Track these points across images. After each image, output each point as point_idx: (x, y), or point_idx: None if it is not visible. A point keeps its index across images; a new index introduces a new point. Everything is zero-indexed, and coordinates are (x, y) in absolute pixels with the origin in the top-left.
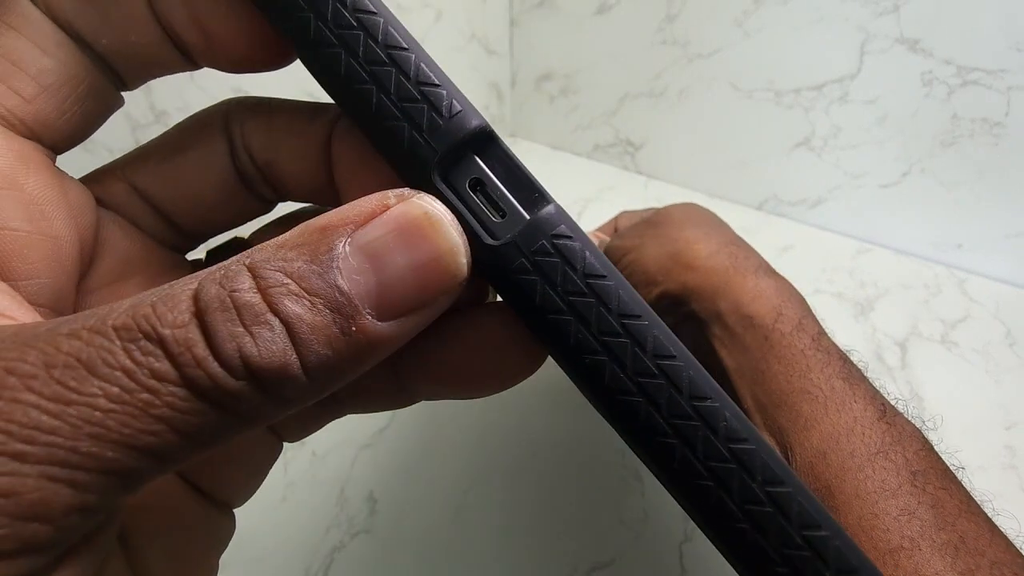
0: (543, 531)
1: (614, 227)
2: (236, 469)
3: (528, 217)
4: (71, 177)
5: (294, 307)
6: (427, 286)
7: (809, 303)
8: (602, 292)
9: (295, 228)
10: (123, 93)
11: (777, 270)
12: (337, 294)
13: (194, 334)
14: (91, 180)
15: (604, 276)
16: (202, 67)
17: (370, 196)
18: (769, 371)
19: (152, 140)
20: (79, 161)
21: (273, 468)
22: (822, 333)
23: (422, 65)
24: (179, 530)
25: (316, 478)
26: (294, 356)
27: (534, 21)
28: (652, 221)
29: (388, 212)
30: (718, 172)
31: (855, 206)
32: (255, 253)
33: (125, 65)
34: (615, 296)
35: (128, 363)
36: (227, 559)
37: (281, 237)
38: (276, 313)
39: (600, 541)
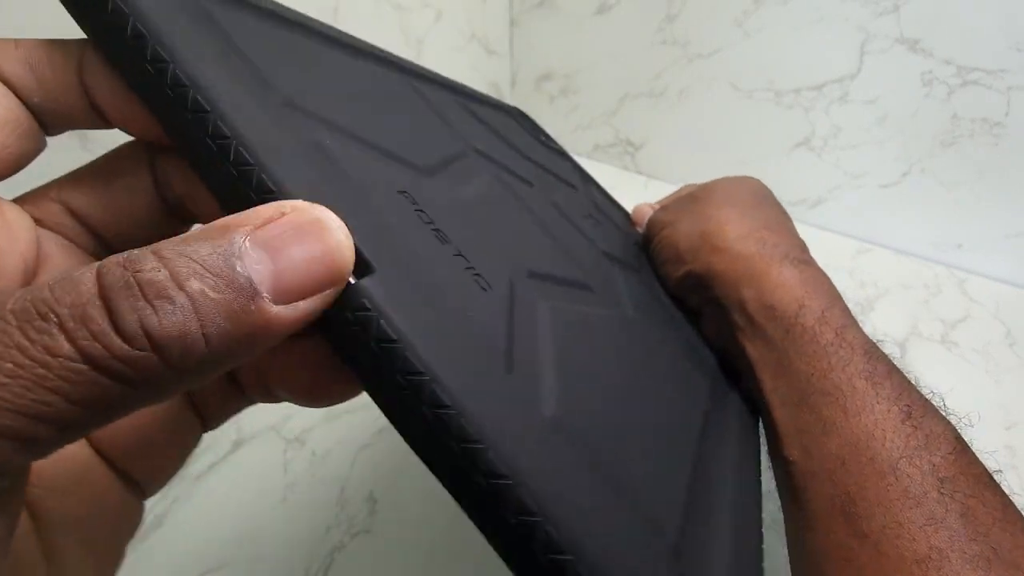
0: None
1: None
2: (157, 450)
3: (348, 287)
4: (7, 200)
5: (198, 284)
6: (319, 276)
7: None
8: (391, 354)
9: (198, 228)
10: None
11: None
12: (239, 276)
13: (94, 311)
14: (26, 201)
15: (394, 340)
16: (115, 128)
17: (267, 205)
18: (791, 367)
19: (83, 166)
20: (81, 162)
21: (273, 468)
22: (847, 325)
23: (263, 176)
24: (95, 514)
25: (316, 478)
26: (196, 326)
27: (534, 21)
28: (694, 196)
29: (285, 216)
30: (718, 172)
31: (855, 206)
32: (159, 243)
33: (51, 118)
34: (401, 357)
35: (22, 341)
36: (227, 559)
37: (183, 234)
38: (181, 288)
39: None
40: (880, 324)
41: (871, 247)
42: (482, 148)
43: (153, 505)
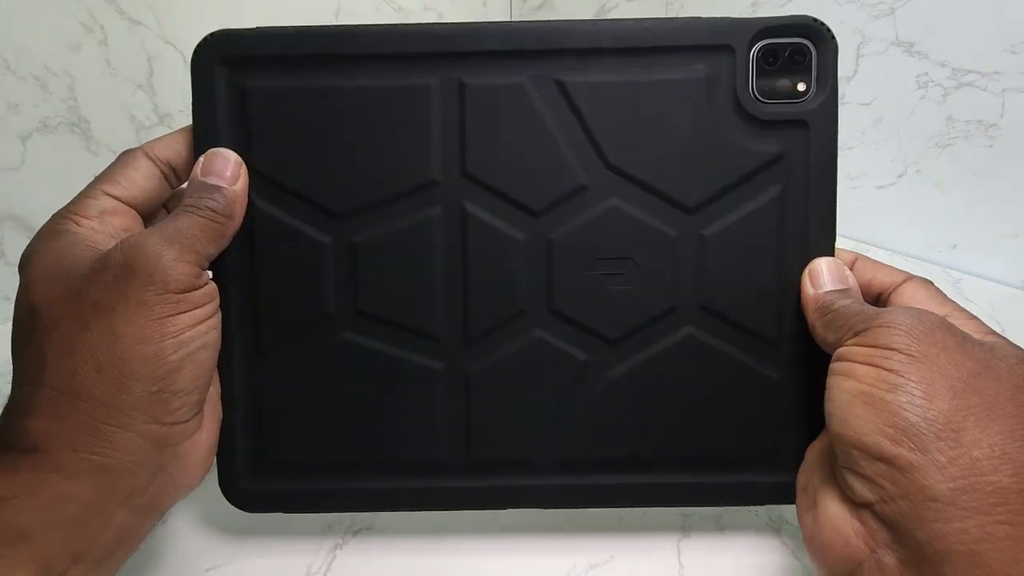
0: (542, 528)
1: (887, 290)
2: None
3: None
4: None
5: (206, 193)
6: (234, 168)
7: None
8: None
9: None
10: (133, 97)
11: None
12: (207, 182)
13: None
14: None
15: None
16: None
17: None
18: None
19: (123, 171)
20: (84, 163)
21: None
22: None
23: None
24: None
25: None
26: (224, 199)
27: None
28: (990, 365)
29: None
30: None
31: (852, 207)
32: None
33: (178, 176)
34: None
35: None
36: (229, 555)
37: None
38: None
39: (598, 538)
40: None
41: (867, 247)
42: (469, 170)
43: None
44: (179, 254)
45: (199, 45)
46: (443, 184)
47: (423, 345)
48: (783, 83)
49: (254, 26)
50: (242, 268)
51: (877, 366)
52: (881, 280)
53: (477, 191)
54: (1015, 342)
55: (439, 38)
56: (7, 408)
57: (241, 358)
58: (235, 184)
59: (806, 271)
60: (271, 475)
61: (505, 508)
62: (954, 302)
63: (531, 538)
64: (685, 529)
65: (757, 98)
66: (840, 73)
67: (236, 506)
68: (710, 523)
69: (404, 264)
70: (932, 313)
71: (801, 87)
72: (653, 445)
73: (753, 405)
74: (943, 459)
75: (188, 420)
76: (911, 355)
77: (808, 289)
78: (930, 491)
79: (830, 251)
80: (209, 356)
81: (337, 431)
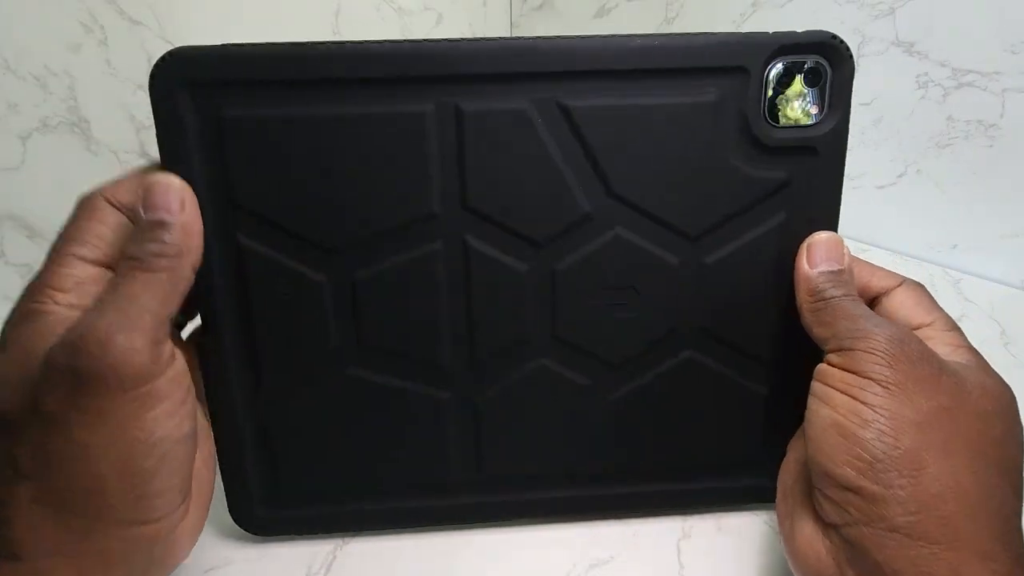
0: (542, 527)
1: (882, 297)
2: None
3: None
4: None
5: (158, 230)
6: (178, 196)
7: None
8: None
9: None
10: (132, 97)
11: None
12: (149, 218)
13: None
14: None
15: None
16: None
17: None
18: None
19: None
20: (84, 163)
21: None
22: None
23: None
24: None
25: None
26: (173, 235)
27: (534, 24)
28: (964, 389)
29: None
30: None
31: (852, 207)
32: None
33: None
34: None
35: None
36: (228, 556)
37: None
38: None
39: (599, 538)
40: None
41: (867, 247)
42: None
43: None
44: (128, 339)
45: (157, 66)
46: (443, 217)
47: (429, 376)
48: (794, 106)
49: (218, 43)
50: (237, 307)
51: (854, 397)
52: (877, 285)
53: (478, 223)
54: (1017, 341)
55: (434, 60)
56: None
57: (244, 392)
58: (182, 213)
59: (804, 245)
60: (285, 503)
61: (513, 519)
62: (941, 309)
63: (531, 538)
64: (685, 529)
65: (768, 122)
66: None
67: (250, 532)
68: (710, 524)
69: (406, 300)
70: (915, 339)
71: (813, 111)
72: (654, 457)
73: (745, 418)
74: (903, 494)
75: (176, 509)
76: (887, 387)
77: (803, 266)
78: (890, 522)
79: None
80: (186, 448)
81: (349, 459)
